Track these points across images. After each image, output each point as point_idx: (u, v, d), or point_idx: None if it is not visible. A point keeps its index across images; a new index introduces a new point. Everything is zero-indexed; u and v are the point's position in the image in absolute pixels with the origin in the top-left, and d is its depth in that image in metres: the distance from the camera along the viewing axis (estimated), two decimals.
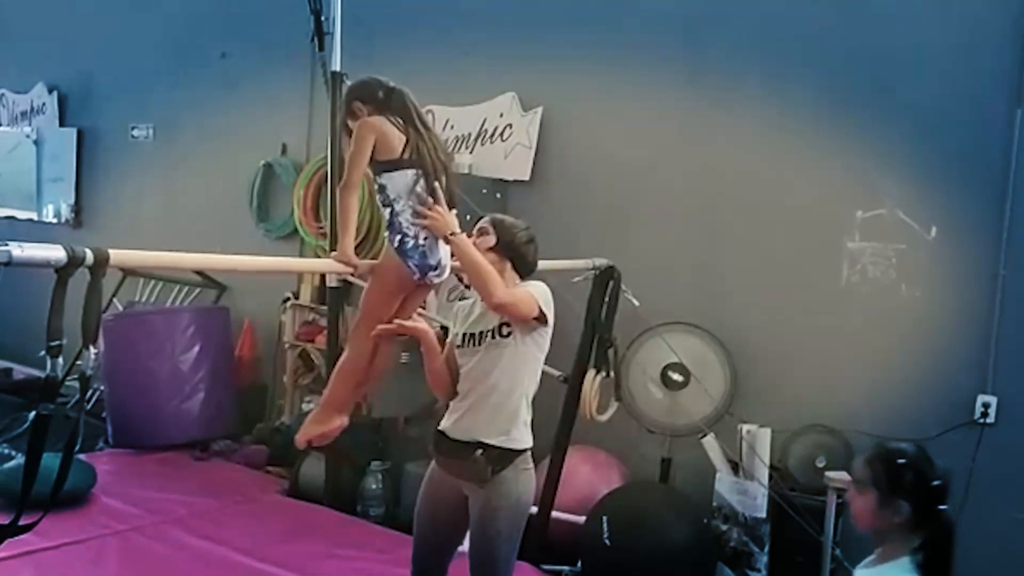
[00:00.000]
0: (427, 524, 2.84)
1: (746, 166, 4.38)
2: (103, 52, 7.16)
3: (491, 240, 2.79)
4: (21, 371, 6.86)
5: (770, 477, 3.96)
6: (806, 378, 4.21)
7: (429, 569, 2.87)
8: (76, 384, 2.05)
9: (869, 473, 2.08)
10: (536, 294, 2.69)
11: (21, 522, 1.95)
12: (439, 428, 2.81)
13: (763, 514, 3.94)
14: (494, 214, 2.92)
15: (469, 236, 2.75)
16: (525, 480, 2.72)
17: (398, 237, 2.60)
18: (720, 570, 4.00)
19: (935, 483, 2.02)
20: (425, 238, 2.60)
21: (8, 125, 7.94)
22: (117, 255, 1.92)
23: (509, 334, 2.69)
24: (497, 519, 2.67)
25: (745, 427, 4.07)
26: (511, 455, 2.68)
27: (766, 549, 3.95)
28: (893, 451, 2.10)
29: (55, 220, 7.46)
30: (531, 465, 2.75)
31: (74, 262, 1.81)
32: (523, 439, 2.71)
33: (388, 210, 2.61)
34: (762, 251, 4.34)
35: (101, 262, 1.87)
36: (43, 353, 1.84)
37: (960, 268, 3.90)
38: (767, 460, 3.98)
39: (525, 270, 2.84)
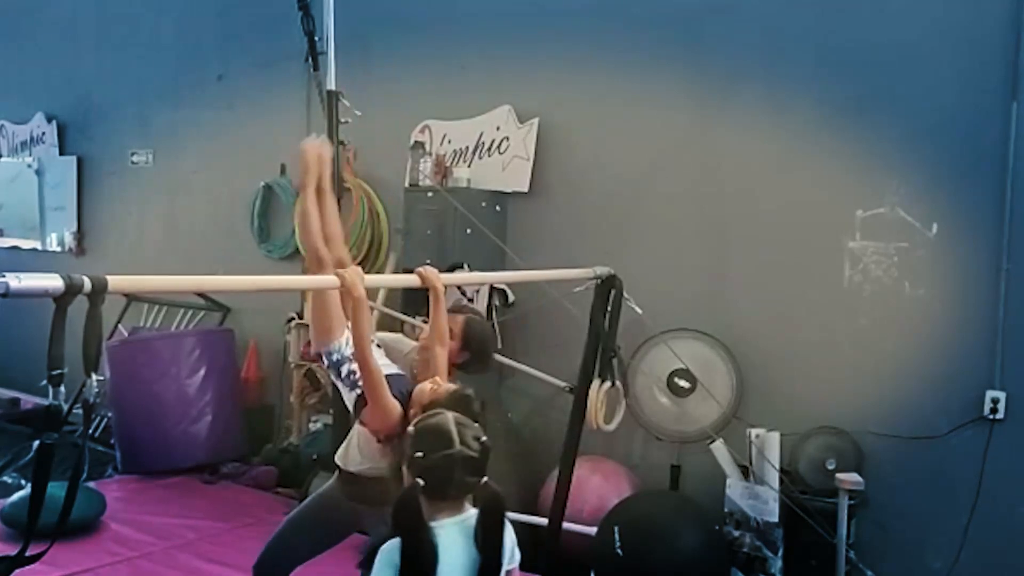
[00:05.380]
0: (310, 534, 2.99)
1: (745, 169, 4.38)
2: (100, 80, 7.19)
3: (455, 346, 2.78)
4: (28, 400, 6.86)
5: (781, 481, 3.94)
6: (813, 380, 4.19)
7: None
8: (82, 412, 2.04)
9: None
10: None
11: (28, 552, 1.95)
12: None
13: (775, 518, 3.92)
14: (470, 315, 2.86)
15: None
16: None
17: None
18: None
19: (416, 454, 1.97)
20: None
21: (9, 156, 7.97)
22: (115, 282, 1.91)
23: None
24: None
25: (754, 431, 4.05)
26: None
27: (780, 553, 3.93)
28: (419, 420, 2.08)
29: (59, 248, 7.48)
30: None
31: (72, 291, 1.81)
32: None
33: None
34: (763, 254, 4.33)
35: (99, 290, 1.86)
36: (44, 382, 1.83)
37: (963, 264, 3.89)
38: (777, 464, 3.96)
39: (477, 371, 2.92)
